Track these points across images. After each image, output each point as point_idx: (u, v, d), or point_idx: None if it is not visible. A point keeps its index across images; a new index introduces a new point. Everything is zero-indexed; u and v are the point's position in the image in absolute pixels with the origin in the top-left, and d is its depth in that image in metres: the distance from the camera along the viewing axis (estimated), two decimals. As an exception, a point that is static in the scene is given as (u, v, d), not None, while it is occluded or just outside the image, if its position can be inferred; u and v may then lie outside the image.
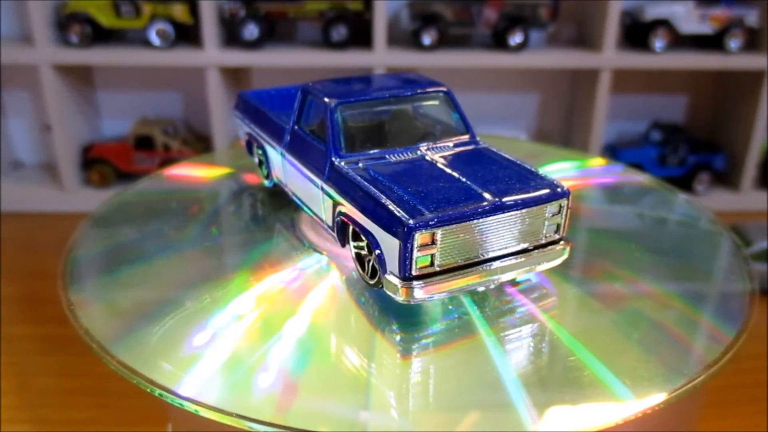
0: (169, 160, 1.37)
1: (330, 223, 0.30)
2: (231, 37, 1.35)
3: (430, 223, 0.23)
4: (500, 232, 0.25)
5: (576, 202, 0.36)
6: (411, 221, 0.23)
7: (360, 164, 0.29)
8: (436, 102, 0.31)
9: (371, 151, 0.30)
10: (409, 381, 0.22)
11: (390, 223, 0.23)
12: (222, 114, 1.36)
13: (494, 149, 0.29)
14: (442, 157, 0.29)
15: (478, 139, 0.30)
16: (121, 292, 0.27)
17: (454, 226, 0.24)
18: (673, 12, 1.34)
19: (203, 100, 1.36)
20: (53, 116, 1.32)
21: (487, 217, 0.24)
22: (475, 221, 0.24)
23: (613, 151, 1.46)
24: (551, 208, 0.25)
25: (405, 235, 0.23)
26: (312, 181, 0.31)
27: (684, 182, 1.41)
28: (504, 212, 0.24)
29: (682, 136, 1.44)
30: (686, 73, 1.50)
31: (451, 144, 0.30)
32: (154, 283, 0.28)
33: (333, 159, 0.29)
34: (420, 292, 0.24)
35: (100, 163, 1.39)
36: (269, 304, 0.26)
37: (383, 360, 0.22)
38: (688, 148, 1.43)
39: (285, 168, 0.36)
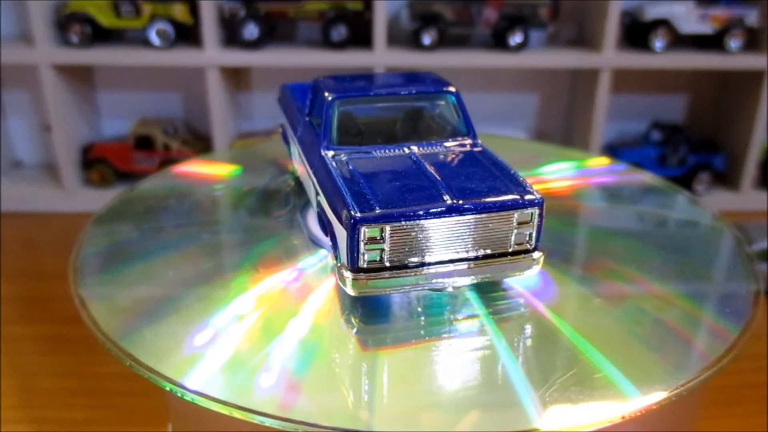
0: (169, 160, 1.37)
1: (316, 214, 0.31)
2: (231, 37, 1.35)
3: (377, 218, 0.24)
4: (460, 235, 0.25)
5: (580, 201, 0.36)
6: (358, 214, 0.23)
7: (344, 157, 0.29)
8: (440, 102, 0.31)
9: (359, 146, 0.30)
10: (413, 379, 0.22)
11: (341, 215, 0.24)
12: (222, 114, 1.36)
13: (489, 152, 0.29)
14: (428, 156, 0.29)
15: (478, 141, 0.30)
16: (129, 289, 0.27)
17: (404, 223, 0.24)
18: (673, 12, 1.34)
19: (203, 100, 1.36)
20: (53, 116, 1.32)
21: (441, 218, 0.24)
22: (427, 221, 0.24)
23: (613, 151, 1.46)
24: (519, 216, 0.25)
25: (351, 228, 0.24)
26: (308, 172, 0.31)
27: (684, 182, 1.41)
28: (460, 215, 0.24)
29: (682, 136, 1.44)
30: (686, 73, 1.51)
31: (447, 145, 0.30)
32: (157, 282, 0.28)
33: (321, 150, 0.29)
34: (367, 285, 0.24)
35: (100, 163, 1.39)
36: (270, 304, 0.26)
37: (387, 358, 0.22)
38: (688, 148, 1.43)
39: (298, 158, 0.36)
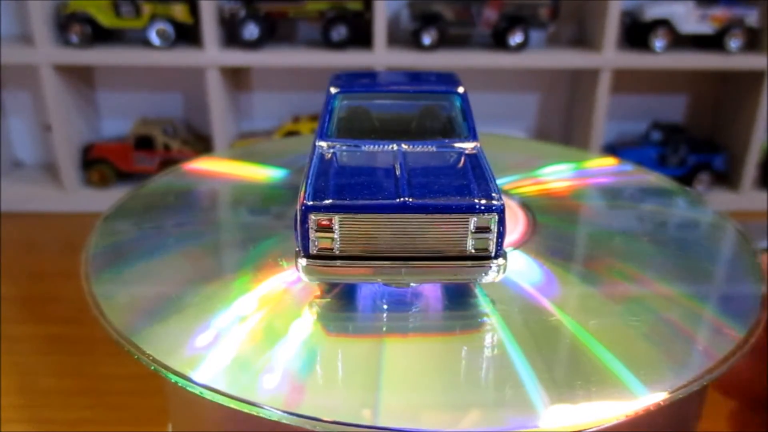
0: (169, 161, 1.37)
1: None
2: (231, 37, 1.35)
3: (326, 207, 0.24)
4: (413, 233, 0.25)
5: (585, 201, 0.36)
6: (310, 202, 0.24)
7: (333, 149, 0.29)
8: (445, 102, 0.31)
9: (352, 140, 0.30)
10: (417, 376, 0.22)
11: (300, 203, 0.25)
12: (222, 114, 1.36)
13: (480, 157, 0.29)
14: (412, 155, 0.29)
15: (477, 145, 0.30)
16: (136, 289, 0.27)
17: (352, 215, 0.24)
18: (673, 12, 1.34)
19: (203, 100, 1.36)
20: (53, 116, 1.32)
21: (390, 214, 0.24)
22: (376, 215, 0.24)
23: (613, 151, 1.46)
24: (477, 221, 0.25)
25: (303, 215, 0.24)
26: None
27: (684, 182, 1.41)
28: (409, 213, 0.24)
29: (682, 136, 1.44)
30: (686, 73, 1.51)
31: (439, 145, 0.30)
32: (162, 281, 0.28)
33: (316, 141, 0.30)
34: (318, 272, 0.25)
35: (100, 163, 1.39)
36: (273, 305, 0.26)
37: (392, 356, 0.22)
38: (688, 148, 1.43)
39: None
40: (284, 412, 0.19)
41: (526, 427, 0.19)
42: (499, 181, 0.31)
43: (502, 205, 0.24)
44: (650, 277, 0.27)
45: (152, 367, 0.21)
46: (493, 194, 0.25)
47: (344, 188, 0.25)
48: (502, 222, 0.24)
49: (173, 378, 0.21)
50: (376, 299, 0.27)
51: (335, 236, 0.24)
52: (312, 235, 0.24)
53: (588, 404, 0.19)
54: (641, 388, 0.20)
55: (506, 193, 0.33)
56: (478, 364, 0.22)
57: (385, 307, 0.26)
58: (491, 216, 0.24)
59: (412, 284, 0.26)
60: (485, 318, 0.25)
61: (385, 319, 0.25)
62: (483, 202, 0.24)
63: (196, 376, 0.21)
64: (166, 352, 0.22)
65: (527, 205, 0.33)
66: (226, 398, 0.20)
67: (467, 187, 0.25)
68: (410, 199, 0.24)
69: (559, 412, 0.19)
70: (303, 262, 0.25)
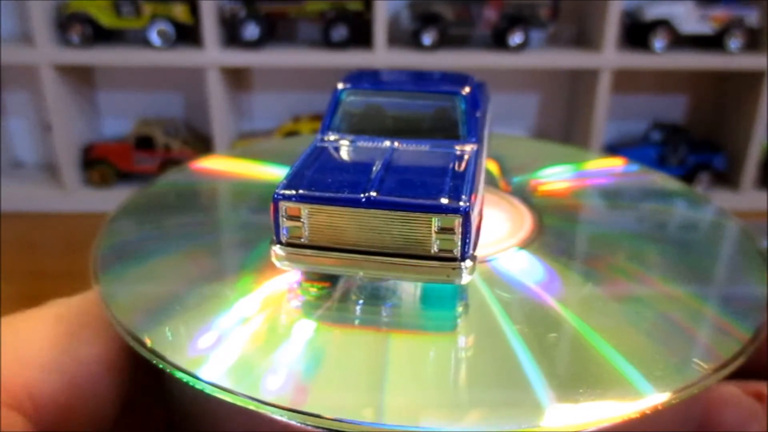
0: (169, 160, 1.37)
1: None
2: (231, 37, 1.35)
3: (296, 197, 0.25)
4: (377, 229, 0.25)
5: (590, 200, 0.36)
6: (281, 192, 0.25)
7: (328, 143, 0.30)
8: (448, 103, 0.32)
9: (350, 135, 0.30)
10: (420, 376, 0.22)
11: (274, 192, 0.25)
12: (222, 114, 1.36)
13: (472, 160, 0.29)
14: (400, 153, 0.29)
15: (475, 147, 0.30)
16: (139, 288, 0.27)
17: (318, 206, 0.25)
18: (673, 12, 1.35)
19: (203, 100, 1.36)
20: (53, 116, 1.32)
21: (354, 208, 0.25)
22: (341, 209, 0.25)
23: (613, 151, 1.47)
24: (440, 221, 0.25)
25: (275, 204, 0.25)
26: None
27: (684, 182, 1.42)
28: (372, 209, 0.25)
29: (682, 136, 1.44)
30: (686, 73, 1.51)
31: (433, 145, 0.30)
32: (166, 281, 0.28)
33: (318, 134, 0.30)
34: (286, 258, 0.25)
35: (100, 163, 1.39)
36: (276, 305, 0.27)
37: (395, 355, 0.23)
38: (688, 148, 1.43)
39: None
40: (287, 409, 0.19)
41: (530, 425, 0.19)
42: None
43: (468, 207, 0.24)
44: (656, 277, 0.27)
45: (160, 366, 0.21)
46: (462, 196, 0.25)
47: (317, 180, 0.26)
48: (467, 224, 0.25)
49: (181, 376, 0.21)
50: (377, 298, 0.27)
51: (304, 226, 0.25)
52: (282, 223, 0.25)
53: (593, 403, 0.19)
54: (647, 386, 0.20)
55: (512, 192, 0.33)
56: (483, 363, 0.22)
57: (388, 305, 0.26)
58: (455, 217, 0.24)
59: (388, 281, 0.26)
60: (489, 316, 0.25)
61: (388, 318, 0.25)
62: (446, 202, 0.24)
63: (202, 374, 0.21)
64: (171, 351, 0.22)
65: (533, 205, 0.33)
66: (231, 395, 0.20)
67: (438, 186, 0.26)
68: (374, 195, 0.24)
69: (564, 411, 0.19)
70: (275, 248, 0.26)
